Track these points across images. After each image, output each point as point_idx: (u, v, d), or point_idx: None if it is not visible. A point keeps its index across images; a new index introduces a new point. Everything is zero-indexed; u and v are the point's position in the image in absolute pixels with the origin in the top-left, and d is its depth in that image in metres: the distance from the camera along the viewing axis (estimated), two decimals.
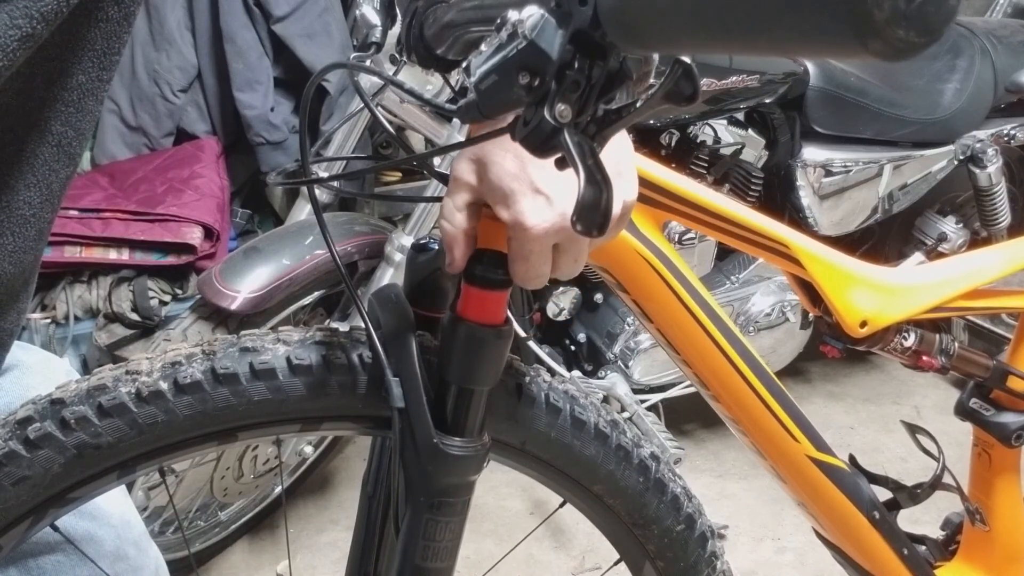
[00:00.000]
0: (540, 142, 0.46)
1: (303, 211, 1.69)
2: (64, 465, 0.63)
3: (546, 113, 0.44)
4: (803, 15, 0.31)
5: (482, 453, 0.66)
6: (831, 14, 0.30)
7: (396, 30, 1.44)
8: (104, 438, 0.63)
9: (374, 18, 1.47)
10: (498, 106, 0.46)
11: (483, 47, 0.45)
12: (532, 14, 0.43)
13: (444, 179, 0.66)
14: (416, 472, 0.64)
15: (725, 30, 0.35)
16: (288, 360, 0.66)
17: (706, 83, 1.59)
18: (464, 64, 0.46)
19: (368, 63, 1.46)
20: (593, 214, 0.44)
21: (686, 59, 0.43)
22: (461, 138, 1.50)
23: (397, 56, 1.43)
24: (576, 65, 0.44)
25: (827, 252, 0.86)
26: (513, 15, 0.44)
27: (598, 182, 0.44)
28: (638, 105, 0.45)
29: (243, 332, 0.69)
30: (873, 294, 0.88)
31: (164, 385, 0.64)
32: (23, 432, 0.63)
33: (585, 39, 0.43)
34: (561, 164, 0.47)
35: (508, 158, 0.55)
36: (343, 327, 0.71)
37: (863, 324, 0.88)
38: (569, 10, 0.42)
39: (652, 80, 0.47)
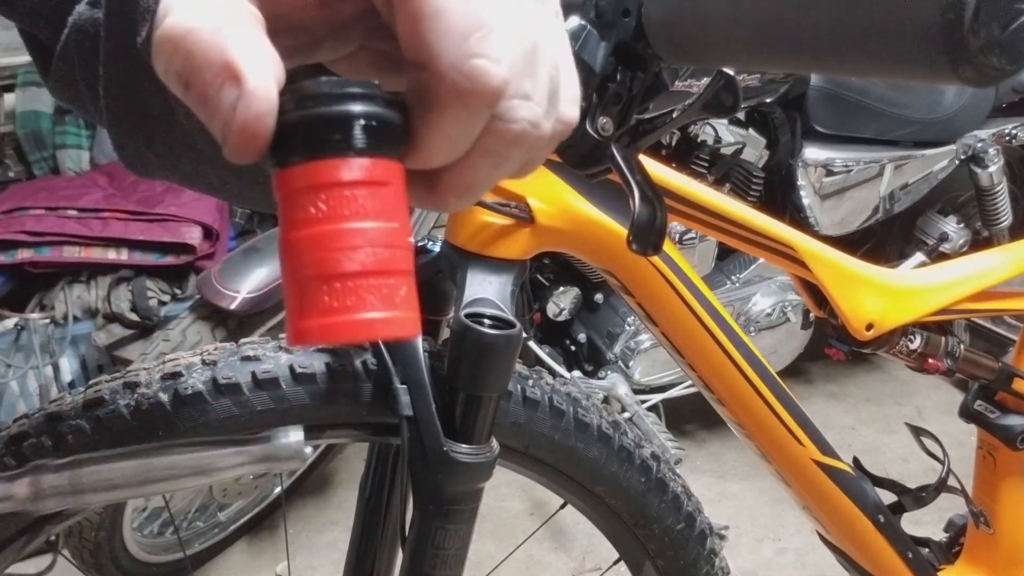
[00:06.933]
0: (582, 156, 0.44)
1: None
2: None
3: (588, 127, 0.43)
4: (889, 40, 0.30)
5: (491, 460, 0.65)
6: (921, 41, 0.29)
7: None
8: None
9: None
10: None
11: None
12: (573, 25, 0.41)
13: None
14: (425, 480, 0.63)
15: (795, 50, 0.33)
16: (291, 368, 0.65)
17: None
18: None
19: None
20: (649, 232, 0.43)
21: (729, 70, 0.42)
22: None
23: None
24: (618, 77, 0.42)
25: (833, 254, 0.85)
26: None
27: (651, 199, 0.43)
28: (674, 115, 0.44)
29: (243, 340, 0.68)
30: (879, 296, 0.87)
31: (164, 397, 0.63)
32: (19, 448, 0.61)
33: (627, 51, 0.41)
34: (593, 177, 0.45)
35: None
36: None
37: (869, 327, 0.87)
38: (612, 21, 0.41)
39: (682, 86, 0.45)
